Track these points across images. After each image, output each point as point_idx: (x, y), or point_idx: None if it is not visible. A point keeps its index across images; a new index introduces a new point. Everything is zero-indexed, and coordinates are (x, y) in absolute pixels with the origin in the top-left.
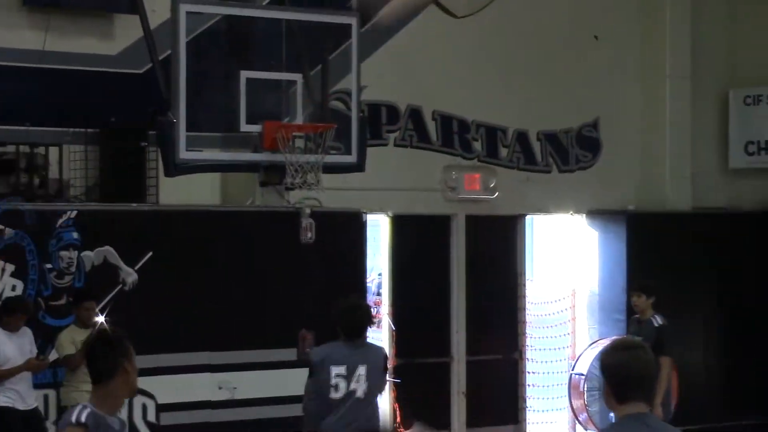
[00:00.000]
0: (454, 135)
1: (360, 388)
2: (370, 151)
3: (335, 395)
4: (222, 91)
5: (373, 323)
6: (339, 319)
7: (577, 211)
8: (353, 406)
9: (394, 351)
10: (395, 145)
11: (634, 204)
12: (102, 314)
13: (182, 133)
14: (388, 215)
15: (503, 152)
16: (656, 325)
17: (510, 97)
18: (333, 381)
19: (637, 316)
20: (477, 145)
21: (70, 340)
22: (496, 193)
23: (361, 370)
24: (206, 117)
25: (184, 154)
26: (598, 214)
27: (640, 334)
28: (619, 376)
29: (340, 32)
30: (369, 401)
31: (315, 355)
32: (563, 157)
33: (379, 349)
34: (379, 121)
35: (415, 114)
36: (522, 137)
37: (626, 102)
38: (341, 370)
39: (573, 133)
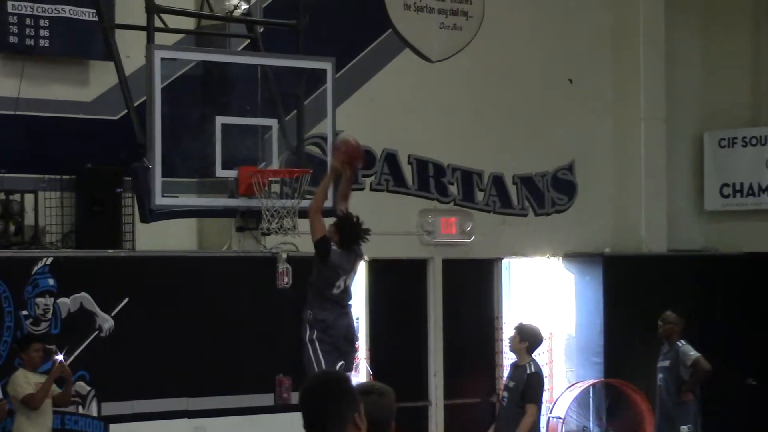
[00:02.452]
0: (430, 179)
1: None
2: None
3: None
4: (197, 137)
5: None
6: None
7: (554, 254)
8: None
9: None
10: (371, 189)
11: (610, 246)
12: (60, 354)
13: (158, 179)
14: (364, 259)
15: (479, 196)
16: (528, 372)
17: (485, 140)
18: None
19: (515, 361)
20: (453, 189)
21: (25, 380)
22: (473, 237)
23: None
24: (182, 163)
25: (159, 200)
26: (574, 257)
27: (514, 378)
28: None
29: (316, 77)
30: None
31: None
32: (539, 200)
33: None
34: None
35: (391, 158)
36: (498, 181)
37: (601, 145)
38: None
39: (548, 176)
